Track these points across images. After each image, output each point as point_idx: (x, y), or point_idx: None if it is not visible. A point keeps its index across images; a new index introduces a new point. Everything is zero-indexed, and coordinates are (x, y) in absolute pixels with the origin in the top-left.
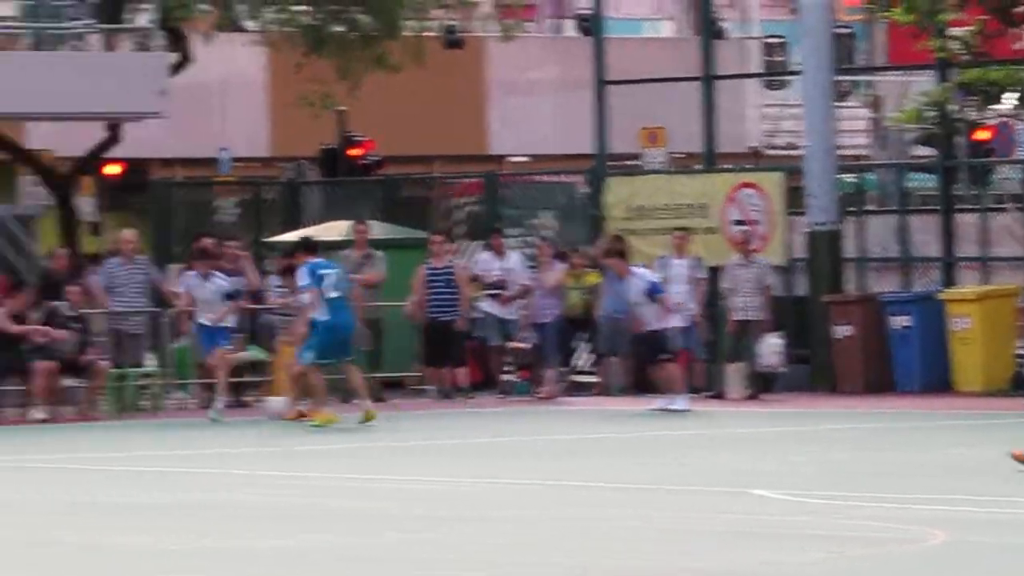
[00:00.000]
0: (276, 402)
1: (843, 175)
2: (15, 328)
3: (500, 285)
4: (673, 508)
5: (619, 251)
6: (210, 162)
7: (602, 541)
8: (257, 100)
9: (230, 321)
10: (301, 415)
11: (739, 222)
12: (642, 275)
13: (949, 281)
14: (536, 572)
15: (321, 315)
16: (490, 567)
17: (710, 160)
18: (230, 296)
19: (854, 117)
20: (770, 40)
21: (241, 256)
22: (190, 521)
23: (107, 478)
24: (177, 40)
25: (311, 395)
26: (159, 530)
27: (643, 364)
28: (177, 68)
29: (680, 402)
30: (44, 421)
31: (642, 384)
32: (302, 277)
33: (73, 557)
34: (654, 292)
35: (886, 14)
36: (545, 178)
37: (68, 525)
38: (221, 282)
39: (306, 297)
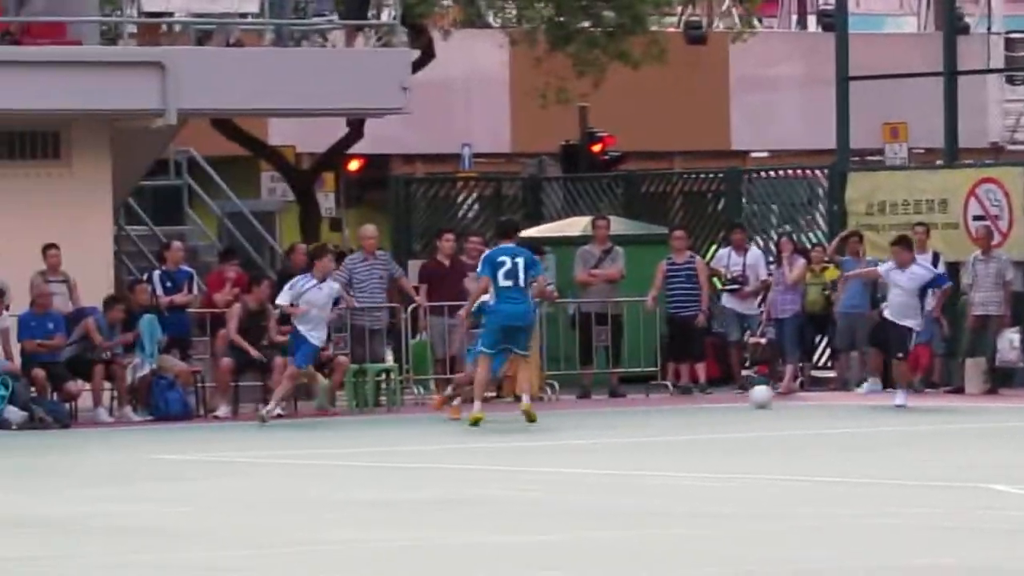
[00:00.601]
0: (760, 392)
1: None
2: (242, 344)
3: (740, 280)
4: (911, 504)
5: (903, 239)
6: (452, 158)
7: (840, 538)
8: (499, 96)
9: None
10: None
11: (979, 217)
12: (926, 266)
13: None
14: (781, 571)
15: (492, 303)
16: (744, 563)
17: (952, 155)
18: (336, 302)
19: None
20: (1013, 35)
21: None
22: (437, 517)
23: (347, 474)
24: (419, 36)
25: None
26: (406, 526)
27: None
28: (419, 64)
29: (900, 396)
30: (281, 416)
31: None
32: (480, 265)
33: (328, 554)
34: (938, 283)
35: None
36: (788, 173)
37: (312, 521)
38: (335, 285)
39: (474, 284)
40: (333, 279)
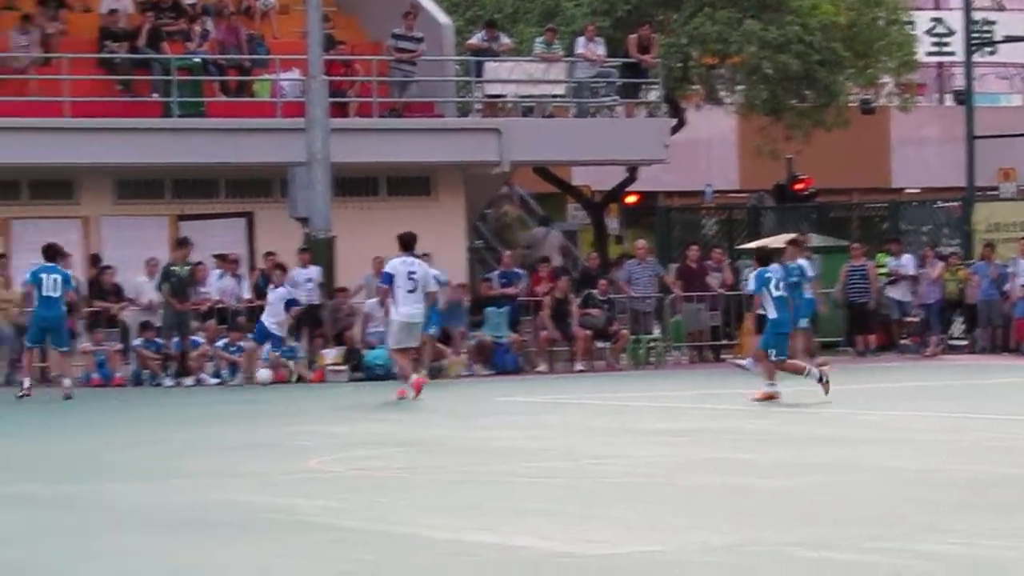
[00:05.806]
0: (262, 373)
1: None
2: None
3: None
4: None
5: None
6: (698, 194)
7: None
8: (730, 151)
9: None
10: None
11: None
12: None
13: None
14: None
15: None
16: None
17: None
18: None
19: None
20: None
21: (723, 260)
22: (695, 439)
23: (635, 410)
24: (676, 109)
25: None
26: (663, 446)
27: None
28: (676, 129)
29: None
30: (582, 372)
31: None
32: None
33: (633, 463)
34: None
35: None
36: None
37: (609, 443)
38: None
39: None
40: None
